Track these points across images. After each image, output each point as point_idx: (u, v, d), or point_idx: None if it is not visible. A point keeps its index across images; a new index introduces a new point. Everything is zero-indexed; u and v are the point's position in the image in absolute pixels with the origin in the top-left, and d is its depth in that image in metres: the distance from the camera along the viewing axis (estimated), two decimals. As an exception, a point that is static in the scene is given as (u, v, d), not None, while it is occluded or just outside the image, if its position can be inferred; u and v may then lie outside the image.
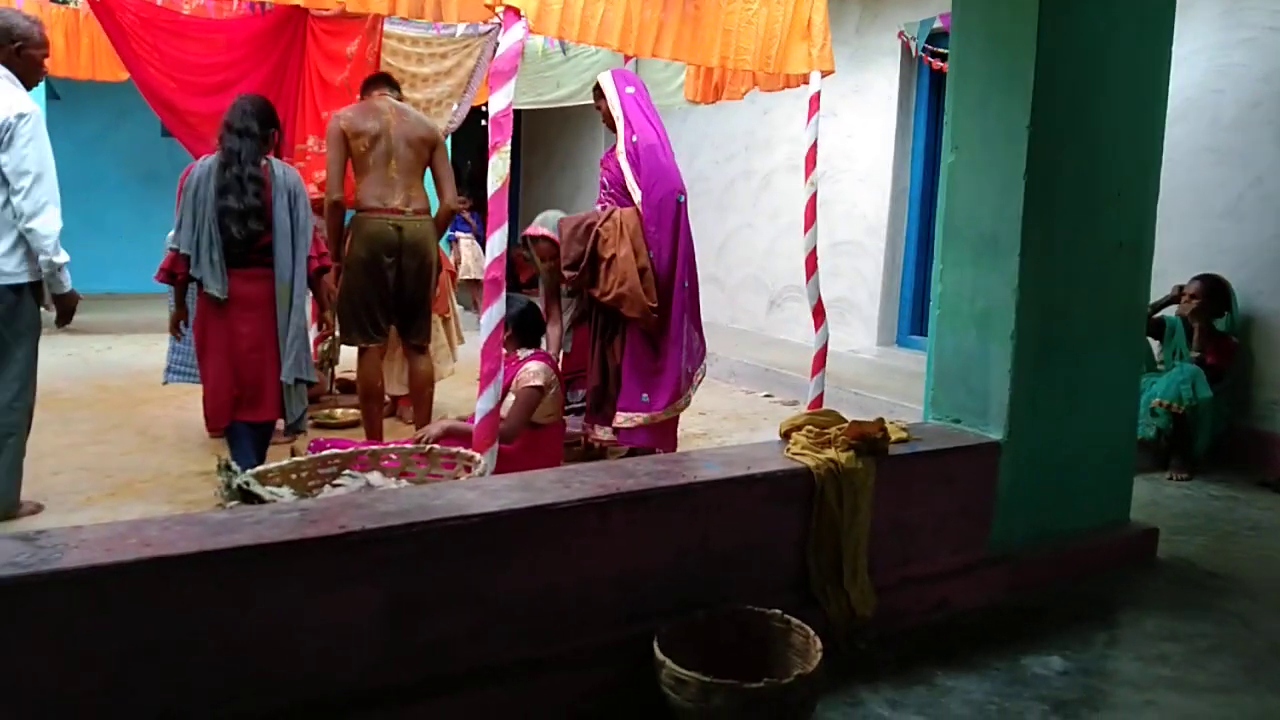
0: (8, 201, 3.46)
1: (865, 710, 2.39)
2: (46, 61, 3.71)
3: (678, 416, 4.11)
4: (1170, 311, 5.12)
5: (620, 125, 4.02)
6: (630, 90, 4.08)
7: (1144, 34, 3.27)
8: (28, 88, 3.60)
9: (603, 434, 4.13)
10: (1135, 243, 3.37)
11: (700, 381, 4.17)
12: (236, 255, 3.87)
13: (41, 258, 3.51)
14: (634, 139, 3.96)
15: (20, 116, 3.43)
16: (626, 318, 4.02)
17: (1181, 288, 5.05)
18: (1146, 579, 3.35)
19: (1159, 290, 4.56)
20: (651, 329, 3.95)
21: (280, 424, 4.22)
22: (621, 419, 3.92)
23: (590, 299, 4.24)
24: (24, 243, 3.51)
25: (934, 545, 2.98)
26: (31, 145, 3.45)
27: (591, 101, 6.49)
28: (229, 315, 3.88)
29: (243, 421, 3.97)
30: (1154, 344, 5.12)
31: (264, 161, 3.93)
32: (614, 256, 3.94)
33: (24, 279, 3.53)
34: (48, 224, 3.48)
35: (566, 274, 4.09)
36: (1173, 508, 4.24)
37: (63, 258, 3.56)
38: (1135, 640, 2.87)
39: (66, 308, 3.69)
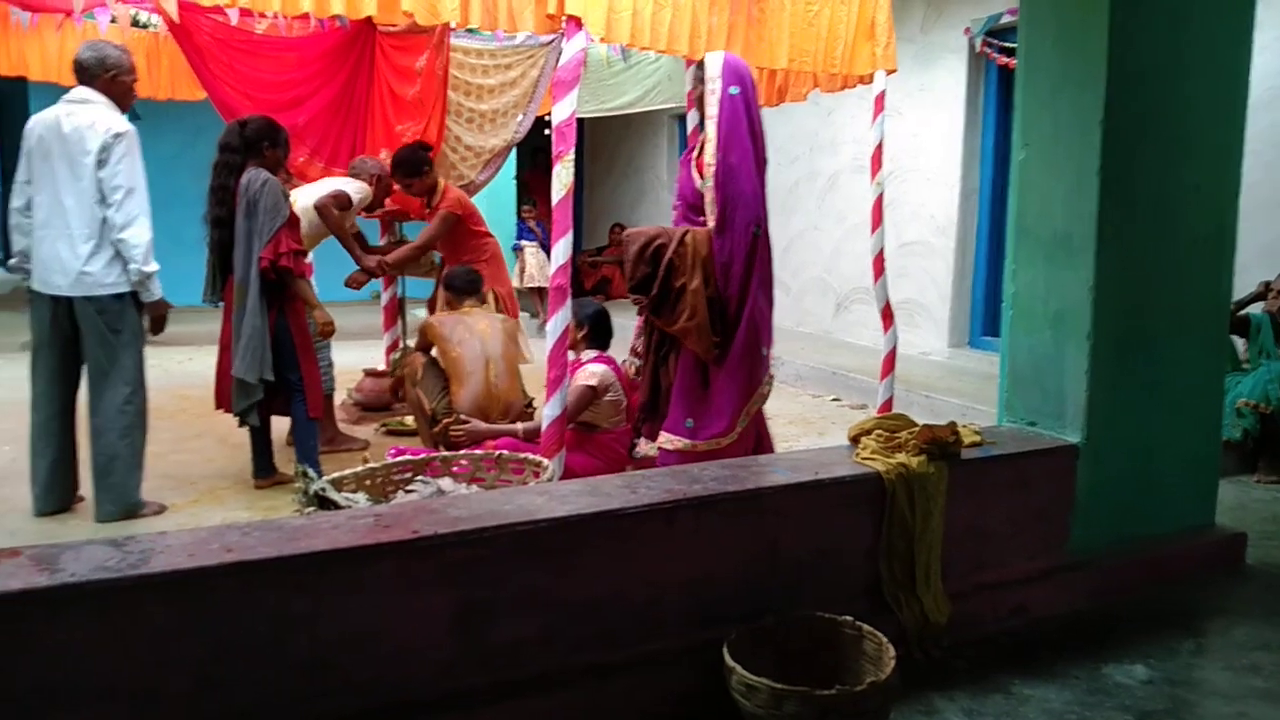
0: (106, 218, 3.70)
1: (940, 718, 2.35)
2: (136, 87, 3.99)
3: (730, 446, 3.69)
4: (1256, 308, 4.94)
5: (711, 129, 3.63)
6: (735, 91, 3.59)
7: (1222, 20, 3.16)
8: (123, 111, 3.86)
9: (648, 449, 4.00)
10: (1216, 237, 3.26)
11: (753, 413, 3.78)
12: (229, 263, 4.23)
13: (131, 266, 3.74)
14: (719, 155, 3.58)
15: (116, 136, 3.70)
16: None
17: (1269, 283, 4.87)
18: (1235, 585, 3.23)
19: (1242, 286, 4.40)
20: (710, 360, 3.67)
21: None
22: (664, 439, 3.77)
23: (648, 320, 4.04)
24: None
25: (1010, 551, 2.92)
26: (125, 162, 3.70)
27: (654, 108, 6.36)
28: (224, 316, 4.31)
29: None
30: (1239, 342, 4.94)
31: (247, 173, 4.15)
32: (684, 287, 3.65)
33: (125, 288, 3.78)
34: (138, 235, 3.72)
35: (631, 296, 3.88)
36: (1261, 511, 4.08)
37: (152, 267, 3.78)
38: (1224, 649, 2.77)
39: (156, 315, 3.93)
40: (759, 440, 3.86)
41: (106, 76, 3.81)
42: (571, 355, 4.29)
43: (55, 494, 3.91)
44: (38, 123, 3.78)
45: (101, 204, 3.71)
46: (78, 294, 3.72)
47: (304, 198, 5.01)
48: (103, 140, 3.67)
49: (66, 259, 3.71)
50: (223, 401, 4.36)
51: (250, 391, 4.11)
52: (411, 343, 5.35)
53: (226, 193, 4.14)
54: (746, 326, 3.63)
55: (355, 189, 5.16)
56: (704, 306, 3.61)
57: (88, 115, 3.72)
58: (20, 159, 3.82)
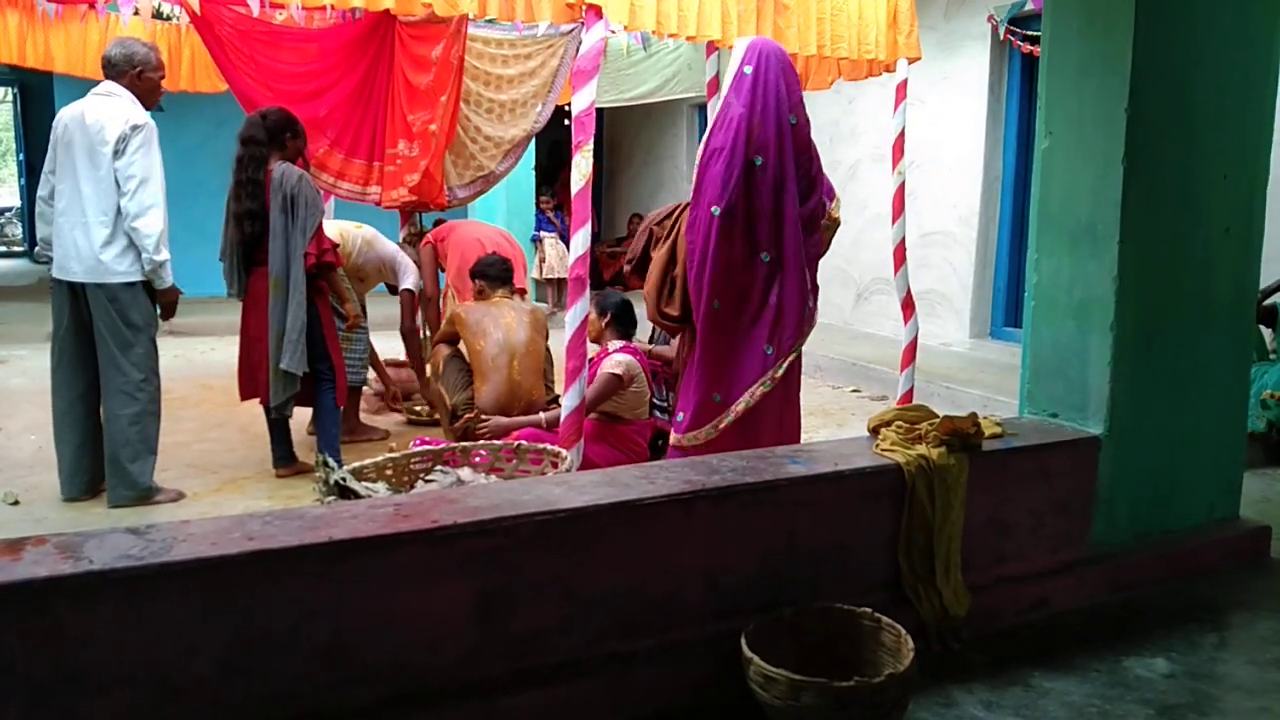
0: (120, 207, 3.78)
1: (959, 711, 2.34)
2: (163, 83, 4.10)
3: (710, 444, 3.43)
4: (1282, 298, 4.88)
5: (718, 110, 3.49)
6: (748, 70, 3.39)
7: (1251, 6, 3.12)
8: (148, 108, 3.96)
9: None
10: (1243, 227, 3.22)
11: (740, 413, 3.42)
12: (254, 257, 4.22)
13: (144, 255, 3.81)
14: (708, 135, 3.46)
15: (135, 128, 3.80)
16: (691, 326, 3.59)
17: (1294, 273, 4.80)
18: (1258, 579, 3.20)
19: (1270, 277, 4.34)
20: (661, 327, 3.69)
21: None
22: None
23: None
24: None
25: (1031, 543, 2.90)
26: (141, 153, 3.79)
27: (673, 98, 6.40)
28: (246, 308, 4.29)
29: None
30: (1265, 332, 4.88)
31: (271, 166, 4.16)
32: (652, 257, 3.62)
33: (137, 277, 3.85)
34: (150, 224, 3.80)
35: (626, 269, 3.86)
36: (1287, 505, 4.04)
37: (163, 255, 3.86)
38: (1247, 643, 2.74)
39: (167, 302, 4.01)
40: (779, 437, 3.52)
41: (133, 72, 3.91)
42: (595, 347, 4.31)
43: (81, 479, 3.97)
44: (65, 114, 3.89)
45: (117, 194, 3.80)
46: (91, 281, 3.81)
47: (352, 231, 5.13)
48: (121, 131, 3.76)
49: (83, 246, 3.79)
50: (248, 392, 4.38)
51: (293, 384, 4.15)
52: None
53: (257, 186, 4.15)
54: (709, 312, 3.41)
55: (415, 281, 5.42)
56: (657, 275, 3.53)
57: (110, 107, 3.82)
58: (49, 149, 3.93)
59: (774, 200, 3.41)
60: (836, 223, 3.66)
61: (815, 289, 3.62)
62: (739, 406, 3.41)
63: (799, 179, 3.47)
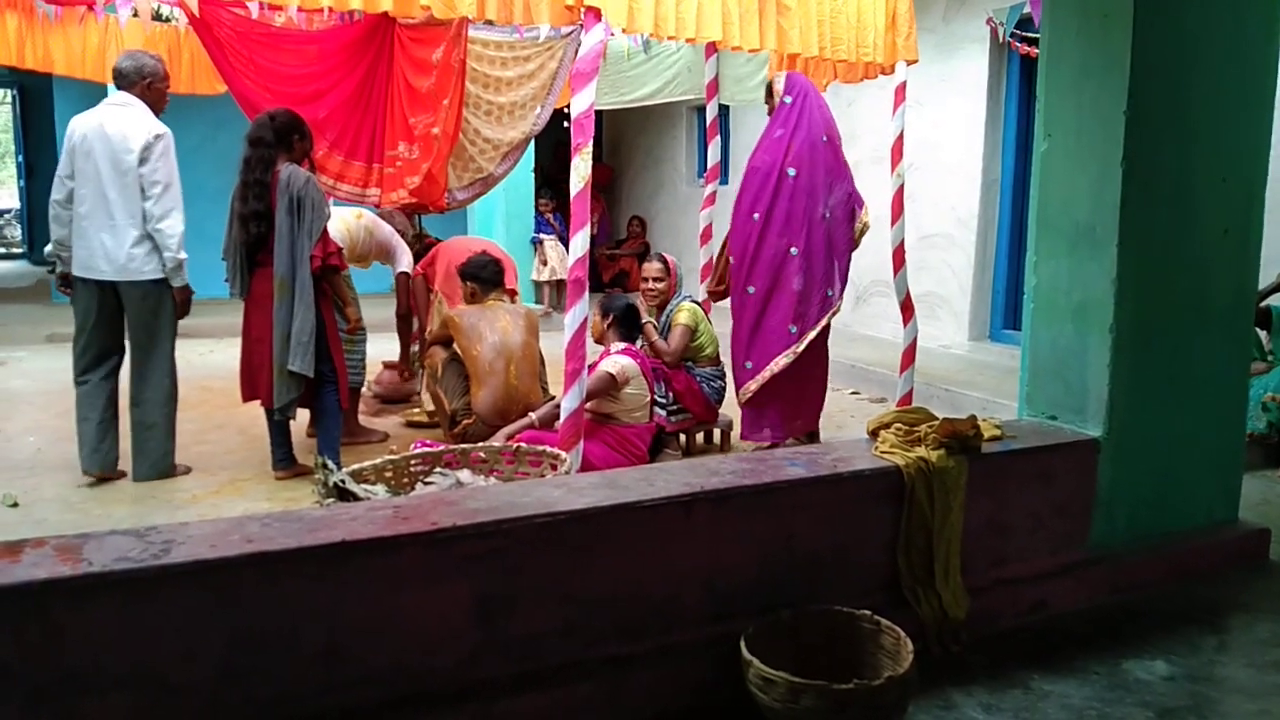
0: (144, 210, 4.06)
1: (958, 714, 2.34)
2: (168, 92, 4.37)
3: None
4: (1277, 299, 4.87)
5: (763, 133, 4.40)
6: (788, 100, 4.36)
7: (1249, 9, 3.12)
8: (156, 115, 4.20)
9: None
10: (1242, 229, 3.22)
11: (759, 381, 4.45)
12: (258, 258, 4.25)
13: (166, 254, 4.09)
14: (754, 155, 4.39)
15: (157, 137, 4.09)
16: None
17: (1291, 275, 4.80)
18: (1258, 582, 3.20)
19: (1267, 278, 4.34)
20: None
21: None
22: None
23: None
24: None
25: (1030, 546, 2.90)
26: (163, 160, 4.10)
27: (673, 100, 6.95)
28: (249, 309, 4.32)
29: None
30: (1262, 334, 4.88)
31: (278, 167, 4.18)
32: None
33: (162, 274, 4.15)
34: (172, 226, 4.10)
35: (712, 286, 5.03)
36: (1286, 507, 4.04)
37: (183, 255, 4.14)
38: (1246, 646, 2.74)
39: (183, 299, 4.26)
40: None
41: (143, 83, 4.17)
42: (599, 348, 4.35)
43: (102, 455, 4.19)
44: (81, 123, 4.12)
45: (142, 198, 4.04)
46: (122, 279, 4.07)
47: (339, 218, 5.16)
48: (145, 140, 4.02)
49: (111, 247, 4.05)
50: (251, 393, 4.37)
51: (297, 385, 4.16)
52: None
53: (264, 187, 4.16)
54: (740, 294, 4.43)
55: (409, 264, 5.57)
56: (722, 261, 4.77)
57: (130, 117, 4.08)
58: (63, 156, 4.15)
59: (804, 203, 4.30)
60: (866, 226, 4.57)
61: (844, 279, 4.53)
62: (764, 374, 4.39)
63: (830, 185, 4.36)
